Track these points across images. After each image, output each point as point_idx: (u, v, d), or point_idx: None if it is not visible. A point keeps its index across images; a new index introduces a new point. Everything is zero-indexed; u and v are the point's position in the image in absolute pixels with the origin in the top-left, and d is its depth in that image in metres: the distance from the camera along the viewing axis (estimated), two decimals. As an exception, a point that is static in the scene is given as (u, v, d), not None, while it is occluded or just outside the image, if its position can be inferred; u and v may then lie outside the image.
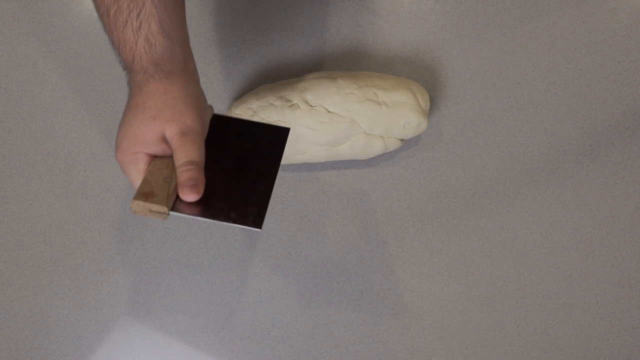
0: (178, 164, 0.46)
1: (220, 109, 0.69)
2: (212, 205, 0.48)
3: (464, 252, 0.69)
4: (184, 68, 0.48)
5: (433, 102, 0.70)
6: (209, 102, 0.69)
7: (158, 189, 0.46)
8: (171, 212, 0.47)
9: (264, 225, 0.70)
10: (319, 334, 0.69)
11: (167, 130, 0.46)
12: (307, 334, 0.69)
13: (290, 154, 0.65)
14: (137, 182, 0.48)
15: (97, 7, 0.46)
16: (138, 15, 0.45)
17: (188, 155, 0.46)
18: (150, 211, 0.46)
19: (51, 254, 0.69)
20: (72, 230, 0.69)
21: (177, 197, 0.47)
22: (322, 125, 0.63)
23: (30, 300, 0.70)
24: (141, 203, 0.45)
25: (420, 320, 0.69)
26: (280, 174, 0.69)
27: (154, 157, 0.48)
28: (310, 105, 0.64)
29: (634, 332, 0.69)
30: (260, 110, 0.63)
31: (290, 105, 0.63)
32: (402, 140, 0.66)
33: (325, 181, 0.69)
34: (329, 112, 0.63)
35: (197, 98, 0.48)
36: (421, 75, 0.70)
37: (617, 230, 0.69)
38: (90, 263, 0.69)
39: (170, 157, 0.47)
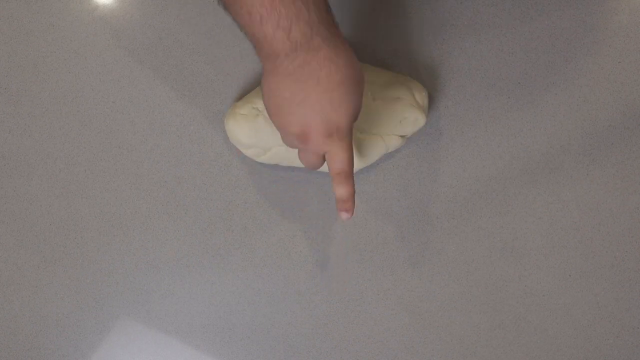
0: None
1: (221, 109, 0.69)
2: None
3: (464, 252, 0.69)
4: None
5: (433, 101, 0.70)
6: (209, 102, 0.69)
7: None
8: None
9: (262, 227, 0.70)
10: (319, 334, 0.69)
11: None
12: (307, 334, 0.69)
13: (292, 156, 0.65)
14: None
15: None
16: None
17: None
18: None
19: (51, 254, 0.70)
20: (72, 230, 0.69)
21: None
22: None
23: (30, 300, 0.70)
24: None
25: (420, 320, 0.69)
26: (280, 174, 0.69)
27: None
28: None
29: (634, 332, 0.69)
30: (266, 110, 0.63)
31: None
32: (402, 137, 0.66)
33: (325, 181, 0.69)
34: None
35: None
36: (421, 74, 0.70)
37: (617, 230, 0.69)
38: (90, 263, 0.70)
39: None
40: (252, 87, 0.69)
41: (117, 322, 0.69)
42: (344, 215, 0.52)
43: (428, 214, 0.69)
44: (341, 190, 0.51)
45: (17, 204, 0.69)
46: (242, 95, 0.69)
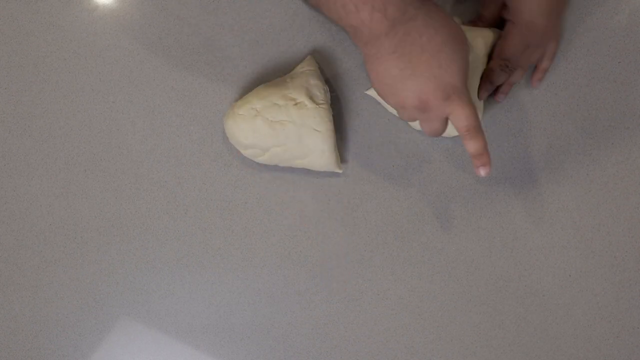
0: None
1: (220, 109, 0.69)
2: None
3: (464, 252, 0.69)
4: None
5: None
6: (209, 102, 0.69)
7: None
8: None
9: (262, 227, 0.70)
10: (319, 334, 0.69)
11: None
12: (307, 334, 0.69)
13: (291, 157, 0.65)
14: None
15: None
16: None
17: None
18: None
19: (51, 254, 0.70)
20: (72, 230, 0.69)
21: None
22: (330, 127, 0.63)
23: (30, 300, 0.70)
24: None
25: (420, 320, 0.69)
26: (279, 174, 0.69)
27: None
28: (316, 103, 0.63)
29: (634, 332, 0.69)
30: (265, 110, 0.63)
31: (296, 104, 0.63)
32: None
33: (325, 181, 0.69)
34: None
35: None
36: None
37: (617, 230, 0.69)
38: (90, 263, 0.70)
39: None
40: (251, 87, 0.69)
41: (117, 322, 0.69)
42: (482, 171, 0.52)
43: (428, 214, 0.69)
44: (474, 145, 0.51)
45: (17, 204, 0.69)
46: (242, 95, 0.69)
